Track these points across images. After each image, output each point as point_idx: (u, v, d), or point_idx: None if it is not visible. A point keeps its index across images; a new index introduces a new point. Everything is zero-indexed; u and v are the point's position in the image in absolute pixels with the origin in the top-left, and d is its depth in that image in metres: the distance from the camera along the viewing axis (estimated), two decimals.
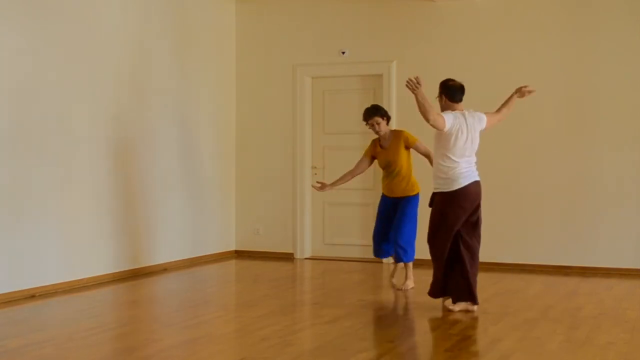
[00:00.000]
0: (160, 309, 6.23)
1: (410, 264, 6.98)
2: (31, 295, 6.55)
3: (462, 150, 5.86)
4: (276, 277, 7.86)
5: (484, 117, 6.10)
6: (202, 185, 8.94)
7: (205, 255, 8.93)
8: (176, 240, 8.44)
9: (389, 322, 5.92)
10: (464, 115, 5.98)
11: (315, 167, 9.33)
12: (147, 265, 7.95)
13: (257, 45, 9.46)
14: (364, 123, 7.03)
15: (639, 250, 7.94)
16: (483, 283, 7.15)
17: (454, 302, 5.95)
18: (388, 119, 7.02)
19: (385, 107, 8.76)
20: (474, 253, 5.90)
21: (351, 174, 7.09)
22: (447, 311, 5.93)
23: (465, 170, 5.85)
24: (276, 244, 9.35)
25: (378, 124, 6.91)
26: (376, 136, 7.05)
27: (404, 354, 4.79)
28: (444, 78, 8.60)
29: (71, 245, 7.04)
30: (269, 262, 8.93)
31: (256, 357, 4.60)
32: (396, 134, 6.96)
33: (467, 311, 5.90)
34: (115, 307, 6.55)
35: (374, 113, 6.94)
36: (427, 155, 6.83)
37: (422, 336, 5.20)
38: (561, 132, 8.24)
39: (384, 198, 7.07)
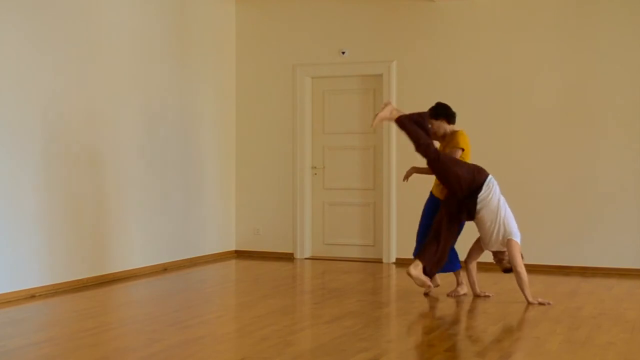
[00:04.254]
0: (160, 309, 6.23)
1: (457, 270, 6.74)
2: (31, 296, 6.55)
3: None
4: (276, 277, 7.86)
5: None
6: (202, 185, 8.94)
7: (205, 255, 8.93)
8: (176, 240, 8.44)
9: (389, 322, 5.92)
10: None
11: (315, 167, 9.33)
12: (147, 265, 7.95)
13: (257, 45, 9.47)
14: None
15: (639, 250, 7.94)
16: (483, 283, 7.15)
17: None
18: (445, 118, 6.66)
19: None
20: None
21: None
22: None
23: None
24: (276, 244, 9.35)
25: (431, 124, 6.62)
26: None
27: (404, 354, 4.79)
28: (443, 78, 8.70)
29: (70, 246, 7.04)
30: (269, 262, 8.93)
31: (256, 357, 4.60)
32: (450, 136, 6.68)
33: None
34: (115, 307, 6.55)
35: (429, 114, 6.67)
36: None
37: (422, 336, 5.20)
38: (561, 131, 8.24)
39: (431, 197, 6.82)
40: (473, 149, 8.42)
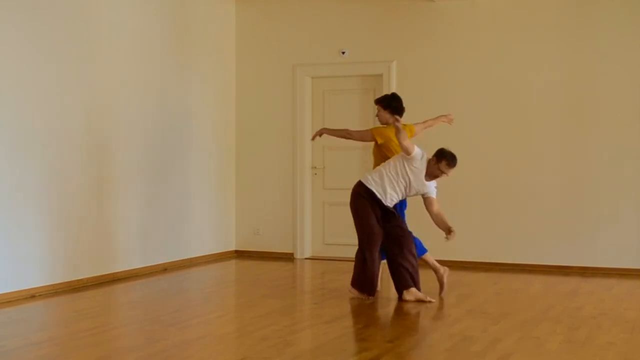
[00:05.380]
0: (160, 309, 6.23)
1: (425, 254, 6.85)
2: (31, 296, 6.55)
3: None
4: (276, 277, 7.86)
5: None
6: (202, 185, 8.94)
7: (205, 255, 8.93)
8: (176, 240, 8.44)
9: (389, 322, 5.92)
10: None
11: (315, 167, 9.33)
12: (147, 265, 7.95)
13: (257, 45, 9.47)
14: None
15: (639, 250, 7.94)
16: (483, 283, 7.16)
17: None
18: (391, 110, 6.72)
19: None
20: None
21: None
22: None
23: None
24: (276, 244, 9.35)
25: (378, 111, 6.82)
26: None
27: (404, 354, 4.79)
28: (443, 78, 8.71)
29: (70, 245, 7.04)
30: (269, 262, 8.93)
31: (256, 357, 4.60)
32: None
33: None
34: (115, 307, 6.55)
35: (380, 99, 6.87)
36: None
37: (422, 336, 5.20)
38: (561, 131, 8.24)
39: None
40: (472, 149, 8.48)
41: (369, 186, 6.37)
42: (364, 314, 5.96)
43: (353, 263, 6.57)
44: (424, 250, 6.76)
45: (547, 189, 8.27)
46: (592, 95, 8.13)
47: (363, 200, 6.40)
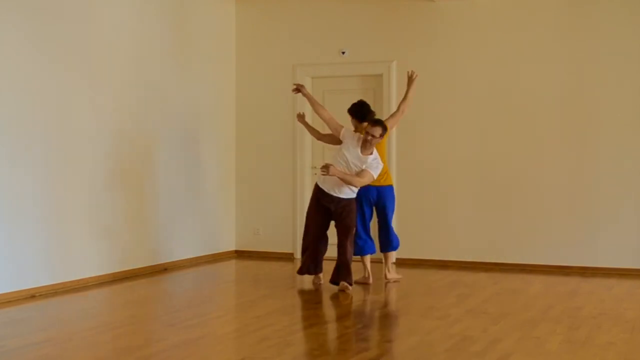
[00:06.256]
0: (160, 308, 6.23)
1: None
2: (31, 296, 6.55)
3: None
4: (276, 277, 7.86)
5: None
6: (202, 185, 8.94)
7: (205, 255, 8.93)
8: (176, 240, 8.44)
9: (389, 322, 5.92)
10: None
11: (315, 167, 9.32)
12: (147, 265, 7.95)
13: (257, 45, 9.46)
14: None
15: (639, 250, 7.94)
16: (483, 283, 7.15)
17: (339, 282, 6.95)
18: (354, 117, 7.43)
19: (386, 107, 8.80)
20: None
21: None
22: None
23: None
24: (276, 244, 9.35)
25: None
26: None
27: (404, 354, 4.79)
28: (443, 78, 8.71)
29: (71, 245, 7.04)
30: (269, 262, 8.93)
31: (256, 357, 4.60)
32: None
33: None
34: (116, 307, 6.55)
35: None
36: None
37: (422, 336, 5.20)
38: (561, 131, 8.23)
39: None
40: (472, 149, 8.48)
41: (319, 184, 7.04)
42: (364, 314, 5.96)
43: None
44: (372, 251, 7.44)
45: (547, 189, 8.27)
46: (592, 95, 8.13)
47: (314, 197, 7.07)
